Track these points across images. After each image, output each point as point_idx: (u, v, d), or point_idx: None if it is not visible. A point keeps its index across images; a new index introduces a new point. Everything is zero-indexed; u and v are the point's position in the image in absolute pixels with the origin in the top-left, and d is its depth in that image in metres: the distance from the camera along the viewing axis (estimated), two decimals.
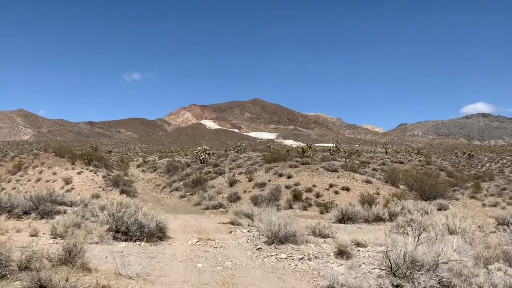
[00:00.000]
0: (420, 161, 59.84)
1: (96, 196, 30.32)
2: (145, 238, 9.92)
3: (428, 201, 23.81)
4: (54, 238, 9.55)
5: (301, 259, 7.93)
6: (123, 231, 9.97)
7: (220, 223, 15.00)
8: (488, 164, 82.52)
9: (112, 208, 10.48)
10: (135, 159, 79.82)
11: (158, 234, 10.09)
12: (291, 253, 8.31)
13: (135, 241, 9.67)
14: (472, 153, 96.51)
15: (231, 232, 12.58)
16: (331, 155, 56.08)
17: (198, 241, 9.89)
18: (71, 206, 19.86)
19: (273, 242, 9.05)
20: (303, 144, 64.08)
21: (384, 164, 52.71)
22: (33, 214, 15.27)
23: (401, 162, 55.93)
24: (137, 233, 9.89)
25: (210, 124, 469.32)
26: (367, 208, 18.57)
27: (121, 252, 7.93)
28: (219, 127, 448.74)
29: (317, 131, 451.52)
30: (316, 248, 8.96)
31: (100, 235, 9.04)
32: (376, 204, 22.90)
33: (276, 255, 8.20)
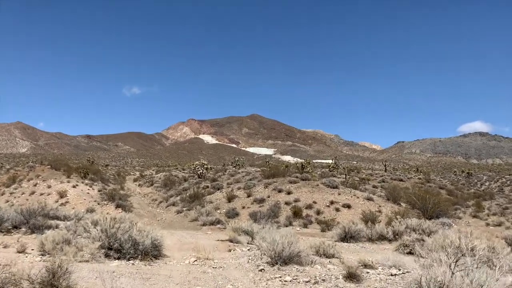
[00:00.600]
0: (420, 179, 59.43)
1: (91, 210, 29.61)
2: (140, 256, 9.31)
3: (431, 220, 23.24)
4: (42, 255, 8.92)
5: (307, 282, 7.32)
6: (116, 249, 9.36)
7: (218, 240, 14.38)
8: (487, 183, 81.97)
9: (105, 223, 9.88)
10: (132, 173, 78.92)
11: (153, 252, 9.48)
12: (297, 275, 7.70)
13: (129, 260, 9.05)
14: (471, 171, 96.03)
15: (230, 250, 11.95)
16: (330, 171, 55.53)
17: (195, 260, 9.27)
18: (65, 220, 19.24)
19: (277, 263, 8.44)
20: (301, 160, 63.57)
21: (383, 182, 52.24)
22: (23, 229, 14.62)
23: (401, 180, 55.49)
24: (131, 251, 9.28)
25: (208, 139, 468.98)
26: (371, 227, 17.97)
27: (113, 272, 7.30)
28: (217, 142, 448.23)
29: (315, 147, 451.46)
30: (323, 270, 8.35)
31: (91, 252, 8.42)
32: (379, 222, 22.35)
33: (280, 277, 7.58)
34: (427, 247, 12.71)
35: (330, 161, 73.78)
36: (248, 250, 11.74)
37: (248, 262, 9.04)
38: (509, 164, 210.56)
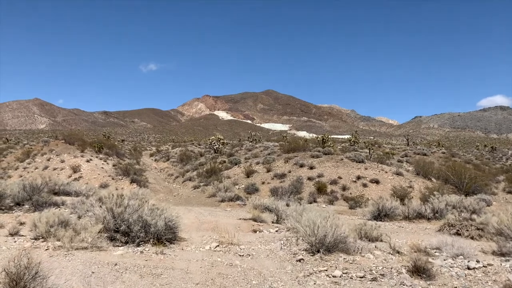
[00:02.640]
0: (443, 153, 57.04)
1: (105, 186, 28.53)
2: (151, 240, 7.80)
3: (467, 196, 21.39)
4: (35, 239, 7.49)
5: (362, 277, 5.70)
6: (124, 231, 7.85)
7: (240, 219, 12.85)
8: None
9: (111, 201, 8.35)
10: (148, 148, 78.22)
11: (167, 236, 7.94)
12: (346, 268, 6.07)
13: (138, 245, 7.54)
14: (496, 145, 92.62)
15: (255, 231, 10.41)
16: (351, 145, 53.49)
17: (218, 245, 7.71)
18: (77, 196, 18.03)
19: (318, 251, 6.80)
20: (317, 135, 61.45)
21: (406, 156, 50.14)
22: (26, 206, 13.33)
23: (425, 154, 53.22)
24: (141, 234, 7.76)
25: (223, 115, 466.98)
26: (407, 203, 16.26)
27: (115, 265, 5.75)
28: (232, 118, 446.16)
29: (331, 122, 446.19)
30: (377, 260, 6.68)
31: (92, 237, 6.90)
32: (411, 199, 20.58)
33: (326, 270, 5.97)
34: (489, 230, 10.98)
35: (347, 136, 71.70)
36: (276, 231, 10.17)
37: (281, 248, 7.42)
38: None
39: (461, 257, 7.05)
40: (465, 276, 5.75)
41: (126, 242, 7.74)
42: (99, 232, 7.66)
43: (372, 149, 44.11)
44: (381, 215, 15.44)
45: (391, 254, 7.54)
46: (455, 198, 16.68)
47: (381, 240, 9.42)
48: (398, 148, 63.09)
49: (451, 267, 6.17)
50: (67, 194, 18.85)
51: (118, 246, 7.49)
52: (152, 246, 7.52)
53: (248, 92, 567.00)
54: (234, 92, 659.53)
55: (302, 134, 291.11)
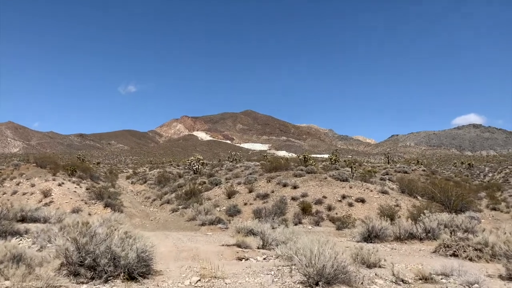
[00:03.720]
0: (424, 170, 57.24)
1: (77, 210, 26.91)
2: (122, 275, 6.73)
3: (456, 214, 20.86)
4: None
5: None
6: (89, 265, 6.75)
7: (223, 245, 11.80)
8: (490, 174, 79.85)
9: (76, 230, 7.25)
10: (125, 171, 76.25)
11: (140, 269, 6.87)
12: None
13: (106, 281, 6.47)
14: (473, 162, 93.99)
15: (240, 259, 9.39)
16: (332, 164, 53.07)
17: (199, 279, 6.68)
18: (45, 223, 16.84)
19: (317, 284, 5.87)
20: (296, 155, 60.85)
21: (388, 174, 49.97)
22: None
23: (405, 172, 53.22)
24: (109, 268, 6.67)
25: (202, 135, 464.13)
26: (398, 223, 15.50)
27: None
28: (211, 138, 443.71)
29: (310, 142, 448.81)
30: None
31: (48, 275, 5.78)
32: (398, 218, 19.93)
33: None
34: (490, 251, 10.28)
35: (327, 155, 71.82)
36: (264, 259, 9.17)
37: (273, 281, 6.44)
38: (504, 155, 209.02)
39: (476, 285, 6.24)
40: None
41: (92, 278, 6.63)
42: (60, 267, 6.57)
43: (354, 167, 43.68)
44: (371, 236, 14.67)
45: (395, 283, 6.68)
46: (446, 216, 16.03)
47: (380, 266, 8.56)
48: (378, 166, 63.17)
49: None
50: (35, 220, 17.52)
51: (82, 282, 6.41)
52: (122, 282, 6.46)
53: (227, 112, 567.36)
54: (213, 112, 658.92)
55: (282, 153, 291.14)
